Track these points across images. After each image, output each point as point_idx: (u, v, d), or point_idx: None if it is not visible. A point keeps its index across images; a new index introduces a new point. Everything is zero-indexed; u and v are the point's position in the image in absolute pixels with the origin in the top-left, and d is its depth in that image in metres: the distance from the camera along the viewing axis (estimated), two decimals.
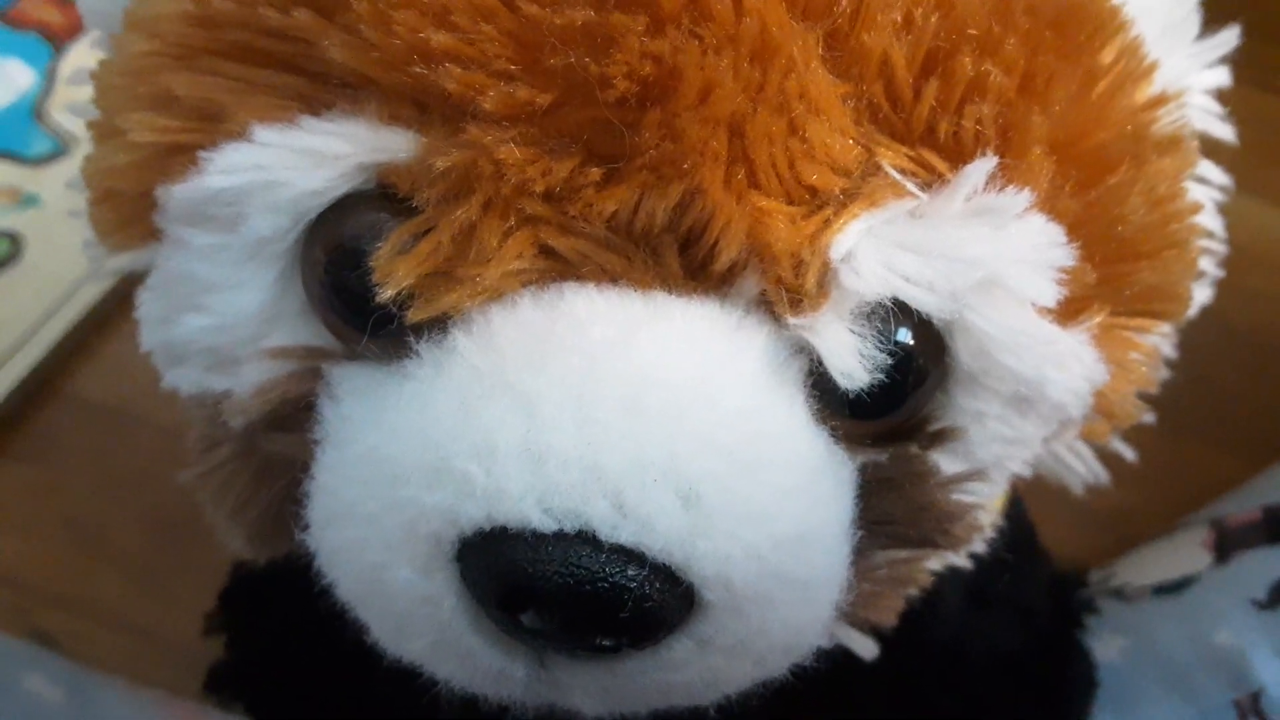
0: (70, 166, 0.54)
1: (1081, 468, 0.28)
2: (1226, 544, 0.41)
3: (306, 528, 0.19)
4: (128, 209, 0.20)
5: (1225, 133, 0.26)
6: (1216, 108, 0.26)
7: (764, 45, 0.17)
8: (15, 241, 0.52)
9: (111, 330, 0.51)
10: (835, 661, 0.24)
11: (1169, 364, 0.26)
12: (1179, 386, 0.27)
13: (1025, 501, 0.36)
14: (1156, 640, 0.39)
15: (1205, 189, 0.26)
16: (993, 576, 0.30)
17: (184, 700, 0.37)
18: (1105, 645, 0.40)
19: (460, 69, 0.16)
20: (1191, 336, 0.27)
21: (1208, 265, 0.26)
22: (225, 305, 0.20)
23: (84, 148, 0.21)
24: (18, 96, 0.56)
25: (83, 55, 0.24)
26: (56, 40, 0.58)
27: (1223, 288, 0.28)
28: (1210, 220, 0.26)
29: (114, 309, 0.51)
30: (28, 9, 0.59)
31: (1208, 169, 0.26)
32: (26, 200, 0.53)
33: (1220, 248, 0.27)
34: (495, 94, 0.16)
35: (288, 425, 0.20)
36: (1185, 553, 0.42)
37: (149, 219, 0.20)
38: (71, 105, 0.23)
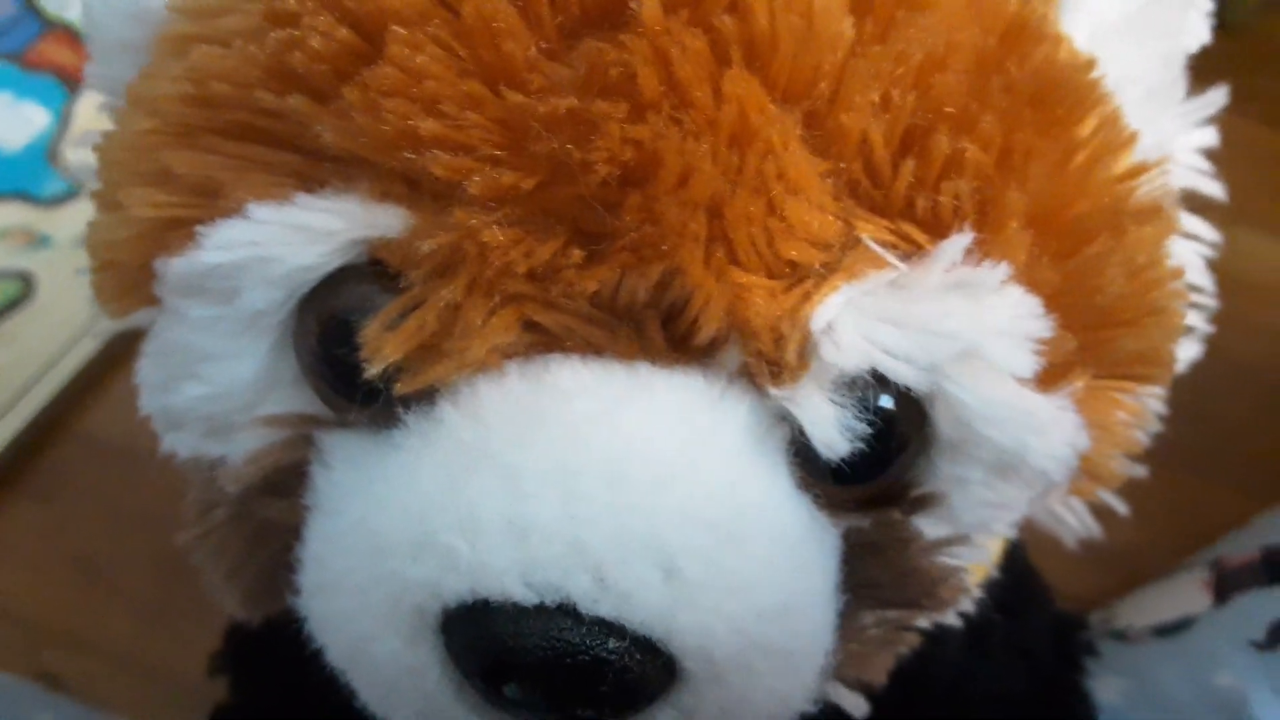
0: (83, 208, 0.55)
1: (1073, 520, 0.28)
2: (1225, 585, 0.41)
3: (298, 593, 0.20)
4: (128, 279, 0.21)
5: (1215, 190, 0.26)
6: (1206, 166, 0.26)
7: (743, 130, 0.17)
8: (28, 282, 0.52)
9: (122, 370, 0.52)
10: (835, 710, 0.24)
11: (1172, 400, 0.26)
12: (1182, 423, 0.27)
13: (1027, 540, 0.36)
14: (1157, 682, 0.39)
15: (1194, 244, 0.26)
16: (993, 621, 0.30)
17: None
18: (1106, 687, 0.40)
19: (448, 154, 0.17)
20: (1195, 371, 0.27)
21: (1197, 320, 0.26)
22: (221, 375, 0.20)
23: None
24: (33, 138, 0.57)
25: (96, 100, 0.24)
26: (71, 82, 0.59)
27: (1226, 322, 0.28)
28: (1198, 276, 0.26)
29: (125, 349, 0.51)
30: (43, 51, 0.60)
31: (1195, 225, 0.26)
32: (39, 241, 0.54)
33: (1210, 302, 0.27)
34: (481, 178, 0.17)
35: (281, 490, 0.20)
36: (1185, 594, 0.42)
37: (148, 288, 0.20)
38: (78, 168, 0.24)
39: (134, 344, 0.24)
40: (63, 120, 0.58)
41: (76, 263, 0.23)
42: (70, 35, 0.61)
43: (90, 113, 0.58)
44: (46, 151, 0.57)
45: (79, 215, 0.55)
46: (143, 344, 0.23)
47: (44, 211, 0.55)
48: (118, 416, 0.51)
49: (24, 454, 0.49)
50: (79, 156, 0.23)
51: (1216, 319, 0.27)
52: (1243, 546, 0.43)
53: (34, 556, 0.47)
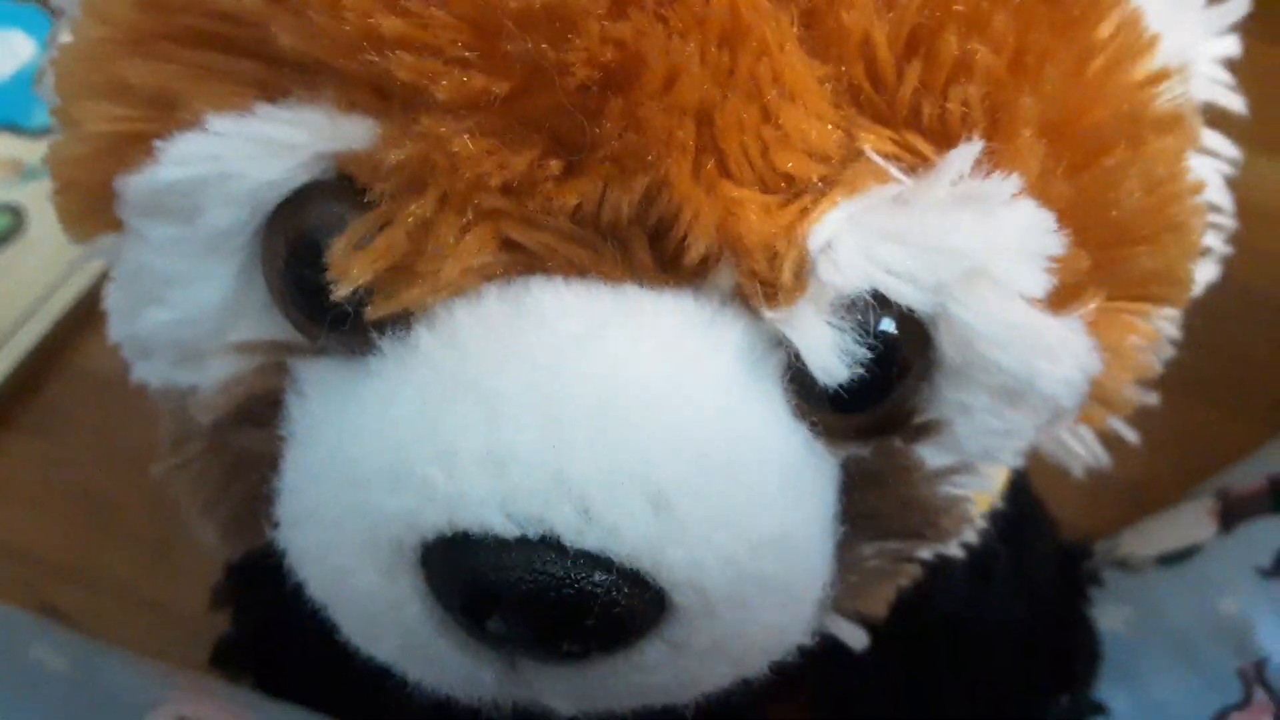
0: None
1: (1082, 450, 0.27)
2: (1232, 514, 0.40)
3: (276, 526, 0.19)
4: (89, 200, 0.20)
5: (1235, 103, 0.25)
6: (1226, 76, 0.25)
7: (734, 27, 0.16)
8: (18, 215, 0.51)
9: None
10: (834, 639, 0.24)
11: (1180, 327, 0.25)
12: (1191, 350, 0.26)
13: (1031, 472, 0.35)
14: (1161, 610, 0.38)
15: (1213, 161, 0.25)
16: (996, 550, 0.29)
17: (190, 672, 0.38)
18: (1109, 616, 0.39)
19: (413, 56, 0.16)
20: (1204, 298, 0.26)
21: (1215, 241, 0.25)
22: (186, 299, 0.19)
23: None
24: (19, 67, 0.56)
25: None
26: (57, 10, 0.57)
27: (1235, 248, 0.26)
28: (1217, 195, 0.25)
29: None
30: None
31: (1215, 141, 0.25)
32: (28, 173, 0.53)
33: (1229, 222, 0.26)
34: (449, 82, 0.16)
35: (256, 420, 0.20)
36: (1191, 523, 0.41)
37: (110, 210, 0.19)
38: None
39: None
40: (49, 49, 0.56)
41: None
42: None
43: None
44: (34, 81, 0.55)
45: None
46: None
47: (32, 142, 0.54)
48: (114, 350, 0.50)
49: (21, 389, 0.48)
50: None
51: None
52: (1250, 476, 0.42)
53: (33, 491, 0.47)
